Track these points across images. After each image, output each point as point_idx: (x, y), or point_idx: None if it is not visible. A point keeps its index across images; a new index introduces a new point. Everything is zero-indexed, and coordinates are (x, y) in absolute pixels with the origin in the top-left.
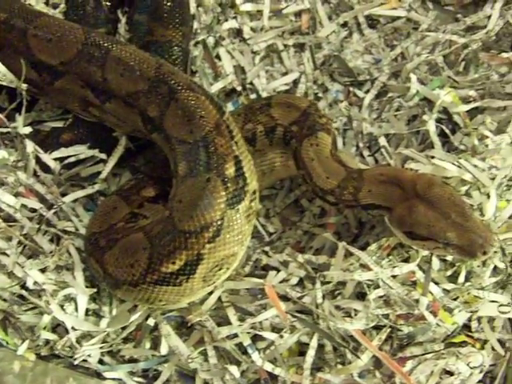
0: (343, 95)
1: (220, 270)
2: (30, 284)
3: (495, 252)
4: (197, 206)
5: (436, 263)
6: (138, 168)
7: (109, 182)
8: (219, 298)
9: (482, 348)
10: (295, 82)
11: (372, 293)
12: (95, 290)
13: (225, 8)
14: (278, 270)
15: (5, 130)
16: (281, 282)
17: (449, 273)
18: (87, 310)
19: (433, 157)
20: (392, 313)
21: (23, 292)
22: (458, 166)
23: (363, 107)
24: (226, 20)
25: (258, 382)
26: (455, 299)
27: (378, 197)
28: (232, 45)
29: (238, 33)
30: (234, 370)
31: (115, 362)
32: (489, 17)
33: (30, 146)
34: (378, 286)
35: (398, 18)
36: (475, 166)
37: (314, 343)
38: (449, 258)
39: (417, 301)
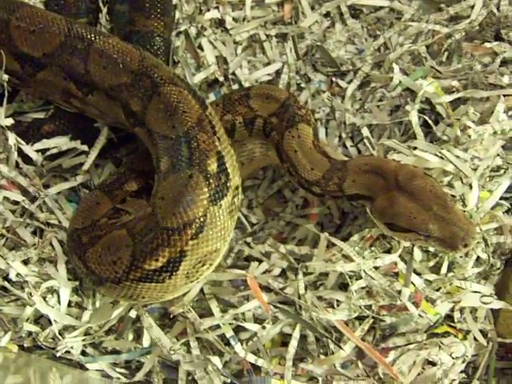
0: (326, 85)
1: (203, 266)
2: (12, 276)
3: (478, 243)
4: (179, 202)
5: (418, 254)
6: (120, 159)
7: (91, 174)
8: (201, 290)
9: (465, 338)
10: (278, 73)
11: (354, 284)
12: (77, 282)
13: None
14: (261, 261)
15: None
16: (263, 272)
17: (431, 263)
18: (70, 302)
19: (415, 148)
20: (374, 304)
21: (6, 284)
22: (441, 157)
23: (346, 97)
24: (208, 10)
25: (241, 373)
26: (438, 290)
27: (362, 187)
28: (214, 35)
29: (220, 23)
30: (216, 361)
31: (98, 353)
32: (472, 6)
33: (12, 138)
34: (360, 277)
35: (381, 7)
36: (457, 156)
37: (296, 334)
38: (431, 248)
39: (399, 292)
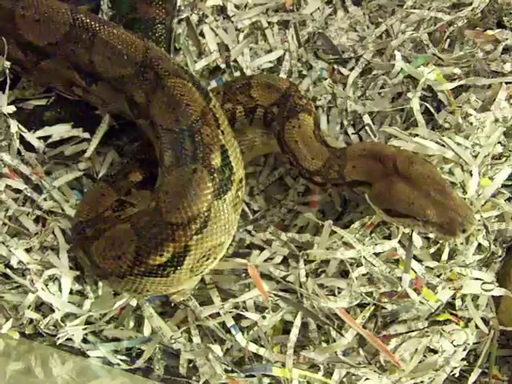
0: (327, 73)
1: (207, 260)
2: (14, 263)
3: (478, 230)
4: (184, 197)
5: (419, 241)
6: (122, 147)
7: (93, 161)
8: (203, 279)
9: (466, 326)
10: (279, 60)
11: (355, 271)
12: (79, 271)
13: None
14: (263, 249)
15: None
16: (265, 260)
17: (432, 250)
18: (71, 290)
19: (416, 135)
20: (375, 291)
21: (7, 271)
22: (442, 145)
23: (347, 85)
24: None
25: (242, 360)
26: (438, 276)
27: (362, 172)
28: (216, 22)
29: (221, 10)
30: (217, 349)
31: (99, 340)
32: None
33: (14, 126)
34: (360, 264)
35: None
36: (458, 143)
37: (297, 322)
38: (431, 235)
39: (400, 278)
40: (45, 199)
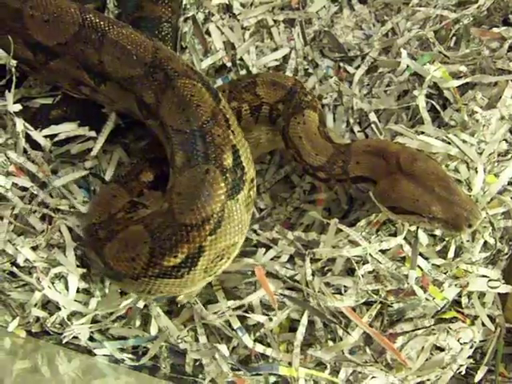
0: (333, 71)
1: (221, 260)
2: (20, 261)
3: (485, 227)
4: (197, 198)
5: (425, 238)
6: (128, 145)
7: (100, 159)
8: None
9: (473, 324)
10: (285, 58)
11: (361, 268)
12: (85, 269)
13: None
14: (269, 247)
15: None
16: (271, 259)
17: (438, 248)
18: (78, 288)
19: (423, 132)
20: (382, 288)
21: (14, 269)
22: (448, 142)
23: (353, 83)
24: None
25: (249, 358)
26: (445, 274)
27: (365, 169)
28: (222, 20)
29: (227, 8)
30: (223, 349)
31: (105, 339)
32: None
33: (21, 124)
34: (366, 262)
35: None
36: (464, 140)
37: (304, 321)
38: (438, 233)
39: (406, 276)
40: (51, 196)
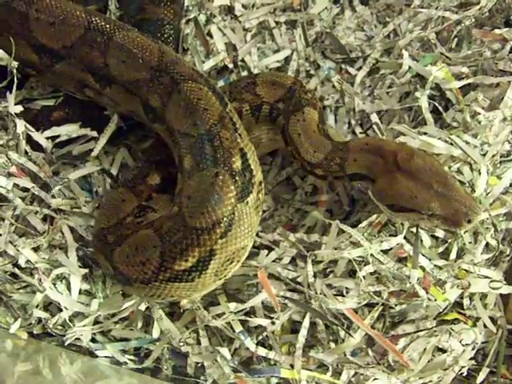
0: (335, 72)
1: (231, 263)
2: (22, 262)
3: (487, 228)
4: (207, 201)
5: (427, 240)
6: (130, 146)
7: (102, 161)
8: None
9: (474, 325)
10: (287, 60)
11: (362, 270)
12: (87, 270)
13: None
14: (271, 249)
15: None
16: (273, 261)
17: (440, 249)
18: (79, 290)
19: (425, 133)
20: (384, 290)
21: (15, 270)
22: (450, 143)
23: (355, 84)
24: None
25: (250, 360)
26: (447, 274)
27: (363, 166)
28: (223, 22)
29: (229, 10)
30: (225, 351)
31: (107, 340)
32: None
33: (22, 126)
34: (368, 263)
35: None
36: (466, 142)
37: (306, 323)
38: (440, 234)
39: (408, 277)
40: (53, 196)
